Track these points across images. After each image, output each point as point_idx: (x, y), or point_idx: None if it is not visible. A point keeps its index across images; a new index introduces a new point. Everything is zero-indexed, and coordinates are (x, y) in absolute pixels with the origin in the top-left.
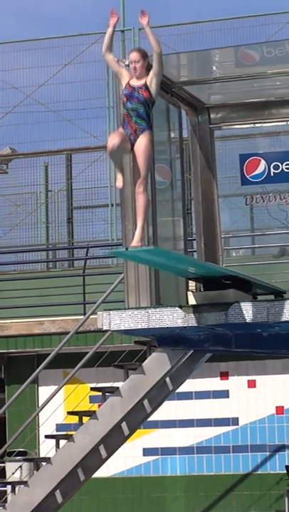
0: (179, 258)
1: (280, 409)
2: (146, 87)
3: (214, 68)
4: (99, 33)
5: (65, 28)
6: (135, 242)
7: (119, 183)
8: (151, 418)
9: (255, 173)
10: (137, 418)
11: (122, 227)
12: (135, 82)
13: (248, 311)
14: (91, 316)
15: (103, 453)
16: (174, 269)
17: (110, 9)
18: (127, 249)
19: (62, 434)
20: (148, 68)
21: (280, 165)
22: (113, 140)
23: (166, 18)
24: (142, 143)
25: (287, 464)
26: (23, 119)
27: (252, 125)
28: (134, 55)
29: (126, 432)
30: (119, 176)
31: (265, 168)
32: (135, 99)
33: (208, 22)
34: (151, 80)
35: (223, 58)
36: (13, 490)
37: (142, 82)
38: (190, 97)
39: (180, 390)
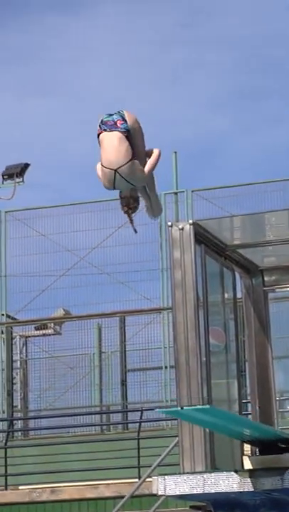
0: (234, 418)
1: None
2: None
3: (268, 231)
4: None
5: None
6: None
7: None
8: None
9: None
10: None
11: (176, 390)
12: None
13: None
14: (146, 480)
15: None
16: (229, 430)
17: None
18: (182, 408)
19: None
20: None
21: None
22: None
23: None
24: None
25: None
26: (77, 281)
27: None
28: None
29: None
30: None
31: None
32: None
33: (261, 183)
34: None
35: (277, 221)
36: None
37: None
38: (244, 260)
39: None
